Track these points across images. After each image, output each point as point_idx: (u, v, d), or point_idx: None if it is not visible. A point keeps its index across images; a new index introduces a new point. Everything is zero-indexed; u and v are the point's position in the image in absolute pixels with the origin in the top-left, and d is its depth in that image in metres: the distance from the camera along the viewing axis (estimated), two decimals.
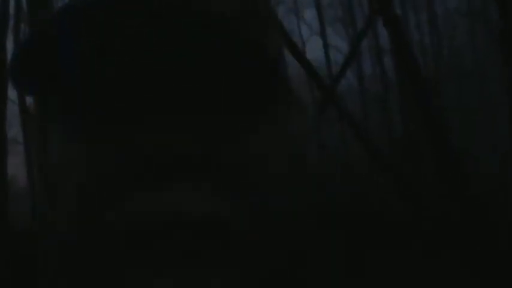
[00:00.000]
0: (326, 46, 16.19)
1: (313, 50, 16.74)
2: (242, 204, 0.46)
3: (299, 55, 4.10)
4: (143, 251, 0.44)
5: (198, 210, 0.45)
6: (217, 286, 0.44)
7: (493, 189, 5.19)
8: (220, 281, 0.44)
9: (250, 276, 0.46)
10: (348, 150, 10.29)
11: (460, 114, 13.91)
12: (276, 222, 0.48)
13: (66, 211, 0.48)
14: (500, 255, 2.88)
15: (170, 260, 0.44)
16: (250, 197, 0.47)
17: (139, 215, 0.44)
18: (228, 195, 0.46)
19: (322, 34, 16.29)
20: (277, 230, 0.48)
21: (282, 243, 0.49)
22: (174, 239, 0.44)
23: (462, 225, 3.11)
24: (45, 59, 0.48)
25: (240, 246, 0.46)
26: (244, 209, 0.47)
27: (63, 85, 0.47)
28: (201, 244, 0.44)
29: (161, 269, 0.44)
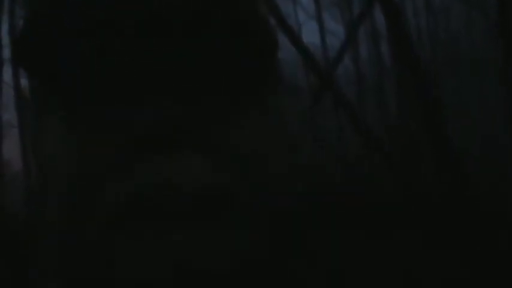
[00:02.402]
0: (322, 31, 16.15)
1: (309, 35, 16.73)
2: (240, 175, 0.48)
3: (296, 40, 4.08)
4: (138, 222, 0.45)
5: (195, 181, 0.45)
6: (213, 255, 0.45)
7: (493, 187, 5.20)
8: (215, 249, 0.45)
9: (246, 245, 0.47)
10: (347, 146, 10.30)
11: (460, 114, 13.92)
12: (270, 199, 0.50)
13: (60, 195, 0.48)
14: (499, 255, 2.90)
15: (164, 230, 0.45)
16: (246, 168, 0.48)
17: (137, 187, 0.45)
18: (226, 167, 0.47)
19: (319, 18, 16.25)
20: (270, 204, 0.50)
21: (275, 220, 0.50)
22: (170, 210, 0.45)
23: (460, 223, 3.12)
24: (43, 53, 0.48)
25: (237, 216, 0.47)
26: (242, 180, 0.48)
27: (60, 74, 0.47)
28: (198, 214, 0.45)
29: (155, 239, 0.45)
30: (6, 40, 11.62)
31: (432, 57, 14.76)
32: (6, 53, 12.09)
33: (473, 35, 17.85)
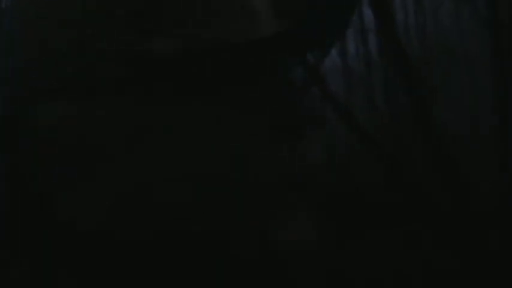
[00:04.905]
0: None
1: None
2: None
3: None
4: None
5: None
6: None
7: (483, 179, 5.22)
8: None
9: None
10: (335, 138, 10.34)
11: (451, 104, 13.98)
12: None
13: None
14: (487, 242, 2.91)
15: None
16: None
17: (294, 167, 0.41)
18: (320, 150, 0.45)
19: None
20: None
21: None
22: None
23: (451, 213, 3.13)
24: None
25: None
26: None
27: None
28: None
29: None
30: None
31: (421, 49, 14.81)
32: None
33: (462, 27, 17.92)
